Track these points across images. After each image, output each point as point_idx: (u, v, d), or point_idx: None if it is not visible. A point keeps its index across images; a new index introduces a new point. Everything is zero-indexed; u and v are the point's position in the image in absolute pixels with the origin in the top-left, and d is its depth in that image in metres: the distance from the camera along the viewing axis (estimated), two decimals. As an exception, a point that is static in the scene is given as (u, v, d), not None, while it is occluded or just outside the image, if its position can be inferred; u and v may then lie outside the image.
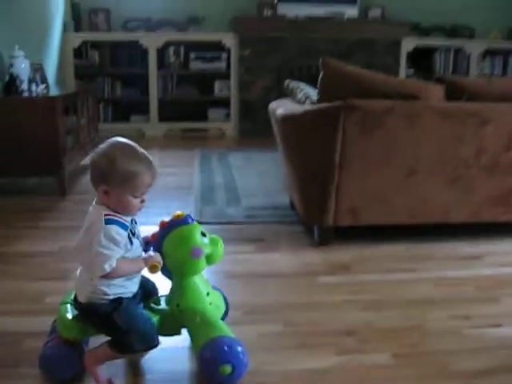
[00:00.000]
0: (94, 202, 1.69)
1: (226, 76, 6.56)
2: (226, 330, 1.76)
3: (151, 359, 1.87)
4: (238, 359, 1.69)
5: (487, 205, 2.95)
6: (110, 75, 6.40)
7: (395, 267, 2.70)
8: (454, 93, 2.84)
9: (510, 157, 2.86)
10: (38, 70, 4.39)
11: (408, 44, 6.79)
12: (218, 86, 6.59)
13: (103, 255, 1.58)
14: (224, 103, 6.63)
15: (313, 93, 3.02)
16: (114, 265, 1.60)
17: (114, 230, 1.60)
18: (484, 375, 1.83)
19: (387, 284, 2.51)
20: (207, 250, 1.82)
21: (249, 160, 5.06)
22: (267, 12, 6.47)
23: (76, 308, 1.75)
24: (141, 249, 1.76)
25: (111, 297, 1.67)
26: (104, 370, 1.74)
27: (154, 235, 1.84)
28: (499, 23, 7.21)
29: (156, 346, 1.73)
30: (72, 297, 1.79)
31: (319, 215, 2.81)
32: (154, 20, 6.42)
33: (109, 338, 1.71)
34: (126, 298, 1.71)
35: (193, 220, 1.84)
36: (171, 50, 6.46)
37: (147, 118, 6.47)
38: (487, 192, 2.92)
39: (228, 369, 1.68)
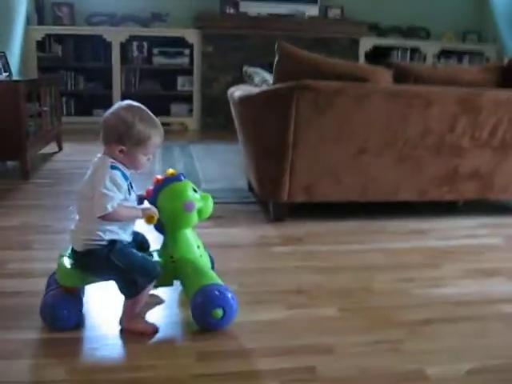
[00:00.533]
0: (99, 155, 1.82)
1: (188, 72, 6.67)
2: (216, 278, 1.90)
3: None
4: (228, 303, 1.83)
5: (433, 184, 3.12)
6: (73, 69, 6.45)
7: (347, 240, 2.85)
8: (402, 76, 3.02)
9: (455, 138, 3.04)
10: (0, 58, 4.44)
11: (366, 43, 7.00)
12: (180, 81, 6.70)
13: (106, 196, 1.70)
14: (187, 98, 6.74)
15: (269, 77, 3.16)
16: (115, 206, 1.72)
17: (118, 175, 1.75)
18: (425, 324, 1.99)
19: (338, 253, 2.66)
20: (199, 205, 1.96)
21: (210, 151, 5.18)
22: (230, 9, 6.61)
23: (74, 258, 1.85)
24: (136, 203, 1.90)
25: (105, 242, 1.78)
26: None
27: (148, 191, 1.98)
28: (453, 25, 7.48)
29: (158, 274, 1.83)
30: (69, 250, 1.89)
31: (274, 192, 2.94)
32: (118, 15, 6.50)
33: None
34: (120, 242, 1.82)
35: (185, 177, 1.98)
36: (135, 45, 6.54)
37: (110, 111, 6.52)
38: (433, 172, 3.09)
39: (219, 312, 1.82)
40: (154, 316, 1.98)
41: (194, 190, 1.98)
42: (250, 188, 3.49)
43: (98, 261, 1.78)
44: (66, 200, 3.36)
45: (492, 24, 7.47)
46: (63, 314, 1.81)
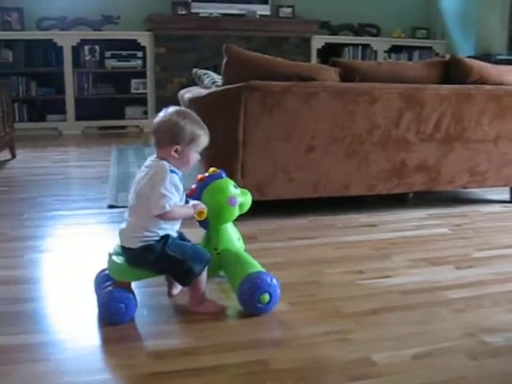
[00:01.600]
0: (152, 158, 1.98)
1: (142, 74, 6.67)
2: (259, 266, 2.05)
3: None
4: (273, 287, 1.99)
5: (382, 178, 3.21)
6: (25, 74, 6.38)
7: (298, 235, 2.92)
8: (348, 75, 3.09)
9: (400, 133, 3.14)
10: None
11: (318, 41, 7.11)
12: (134, 83, 6.69)
13: (165, 196, 1.86)
14: (141, 101, 6.73)
15: (219, 78, 3.20)
16: (172, 205, 1.87)
17: (176, 178, 1.92)
18: (372, 313, 2.07)
19: (290, 249, 2.72)
20: (240, 199, 2.14)
21: (165, 152, 5.18)
22: (181, 10, 6.63)
23: (128, 256, 1.96)
24: (183, 202, 2.02)
25: (158, 237, 1.93)
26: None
27: (192, 189, 2.15)
28: (403, 22, 7.65)
29: (210, 259, 2.00)
30: (117, 249, 2.00)
31: (227, 191, 2.98)
32: (69, 19, 6.46)
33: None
34: (171, 236, 1.98)
35: (226, 174, 2.16)
36: (86, 48, 6.51)
37: (64, 116, 6.47)
38: (381, 166, 3.18)
39: (266, 297, 1.97)
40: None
41: (235, 186, 2.16)
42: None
43: (154, 255, 1.92)
44: (20, 208, 3.35)
45: (440, 20, 7.66)
46: (121, 307, 1.91)
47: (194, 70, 3.64)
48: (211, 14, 6.65)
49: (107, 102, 6.64)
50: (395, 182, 3.26)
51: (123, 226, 1.99)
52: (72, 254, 2.63)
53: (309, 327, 1.95)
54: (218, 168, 2.21)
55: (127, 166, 4.57)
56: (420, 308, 2.11)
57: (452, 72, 3.35)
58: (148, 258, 1.92)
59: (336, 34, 7.33)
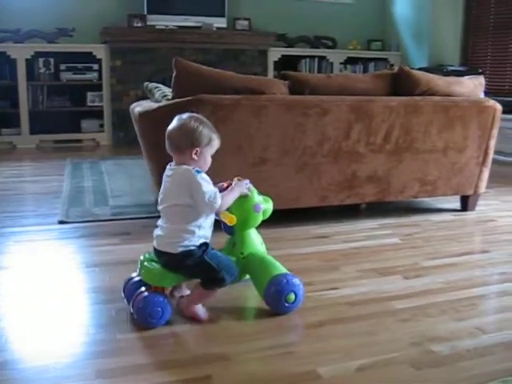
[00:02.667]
0: (170, 166, 2.11)
1: (98, 87, 6.60)
2: (283, 268, 2.19)
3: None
4: (297, 287, 2.13)
5: (333, 190, 3.24)
6: (-23, 88, 6.26)
7: (249, 249, 2.91)
8: (298, 88, 3.12)
9: (350, 144, 3.18)
10: None
11: (274, 54, 7.15)
12: (90, 96, 6.62)
13: (210, 191, 2.00)
14: (97, 114, 6.66)
15: (170, 92, 3.19)
16: (220, 196, 2.03)
17: (205, 175, 2.04)
18: (318, 325, 2.08)
19: (240, 262, 2.71)
20: (263, 206, 2.25)
21: (120, 166, 5.15)
22: (137, 23, 6.60)
23: (165, 260, 2.07)
24: None
25: (198, 243, 2.05)
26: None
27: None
28: (358, 34, 7.76)
29: (237, 275, 2.13)
30: (148, 256, 2.15)
31: (178, 205, 2.97)
32: (23, 31, 6.35)
33: (198, 283, 2.09)
34: (210, 245, 2.11)
35: (251, 183, 2.26)
36: (41, 61, 6.41)
37: (18, 130, 6.36)
38: (333, 178, 3.21)
39: (292, 297, 2.11)
40: (54, 336, 1.97)
41: (258, 194, 2.28)
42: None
43: (193, 261, 2.03)
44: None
45: (395, 32, 7.79)
46: (157, 311, 2.00)
47: (145, 83, 3.62)
48: (167, 26, 6.64)
49: (63, 115, 6.56)
50: (347, 194, 3.29)
51: (159, 232, 2.10)
52: (20, 271, 2.58)
53: (255, 341, 1.94)
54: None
55: (81, 180, 4.51)
56: (367, 319, 2.13)
57: (401, 84, 3.41)
58: (187, 263, 2.03)
59: (292, 47, 7.39)
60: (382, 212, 3.65)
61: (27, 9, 6.42)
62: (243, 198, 2.20)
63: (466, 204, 3.76)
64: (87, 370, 1.75)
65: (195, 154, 2.04)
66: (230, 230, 2.28)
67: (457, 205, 3.81)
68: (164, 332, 2.01)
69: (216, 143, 2.11)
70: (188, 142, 2.04)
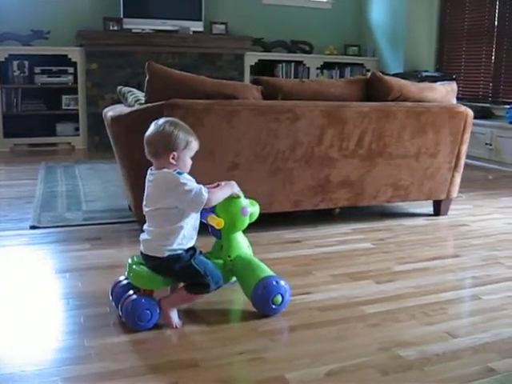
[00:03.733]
0: (151, 171, 2.11)
1: (73, 90, 6.54)
2: (270, 271, 2.23)
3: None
4: (284, 289, 2.17)
5: (306, 194, 3.25)
6: (-51, 91, 6.16)
7: (222, 253, 2.90)
8: (271, 92, 3.12)
9: (323, 149, 3.19)
10: None
11: (251, 58, 7.16)
12: (65, 100, 6.55)
13: (194, 187, 2.02)
14: (72, 117, 6.60)
15: (143, 96, 3.17)
16: (207, 191, 2.05)
17: (187, 175, 2.07)
18: (288, 331, 2.11)
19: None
20: (250, 209, 2.29)
21: (95, 170, 5.11)
22: (113, 26, 6.56)
23: (154, 264, 2.08)
24: None
25: (185, 246, 2.09)
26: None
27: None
28: (335, 39, 7.80)
29: (222, 285, 2.15)
30: (136, 259, 2.14)
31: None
32: (-4, 33, 6.27)
33: (182, 286, 2.11)
34: (198, 250, 2.14)
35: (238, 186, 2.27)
36: (15, 63, 6.33)
37: (-9, 133, 6.28)
38: (306, 182, 3.22)
39: (279, 299, 2.15)
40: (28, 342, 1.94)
41: (245, 197, 2.30)
42: (130, 207, 3.48)
43: (181, 265, 2.06)
44: None
45: (371, 37, 7.85)
46: (146, 314, 2.02)
47: (119, 87, 3.60)
48: (143, 30, 6.61)
49: (37, 119, 6.49)
50: (320, 198, 3.30)
51: (146, 236, 2.11)
52: (-13, 278, 2.55)
53: (224, 347, 1.94)
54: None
55: (54, 184, 4.47)
56: (337, 324, 2.14)
57: (373, 90, 3.44)
58: (174, 267, 2.05)
59: (269, 51, 7.40)
60: (356, 217, 3.67)
61: (1, 10, 6.34)
62: (230, 202, 2.23)
63: (438, 209, 3.79)
64: (54, 378, 1.73)
65: (173, 158, 2.06)
66: (217, 233, 2.29)
67: (430, 209, 3.85)
68: (134, 338, 1.99)
69: (194, 146, 2.12)
70: (165, 146, 2.06)
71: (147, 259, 2.11)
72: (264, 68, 7.21)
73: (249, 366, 1.82)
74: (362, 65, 7.76)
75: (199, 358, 1.86)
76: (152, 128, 2.10)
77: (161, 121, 2.10)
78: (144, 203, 2.14)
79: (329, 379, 1.76)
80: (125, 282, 2.19)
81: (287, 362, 1.85)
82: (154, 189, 2.08)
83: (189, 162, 2.13)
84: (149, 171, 2.13)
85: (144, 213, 2.14)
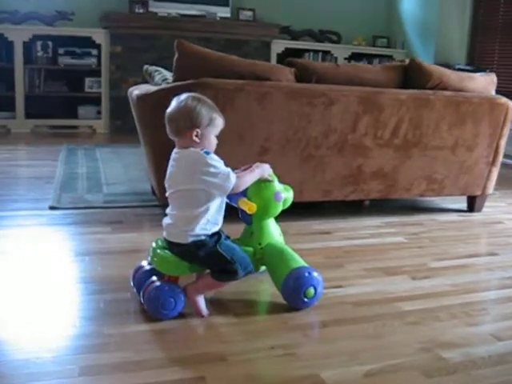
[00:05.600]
0: (175, 150, 1.97)
1: (96, 73, 6.43)
2: (303, 261, 2.07)
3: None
4: (317, 281, 2.02)
5: (337, 184, 3.10)
6: (-28, 69, 6.08)
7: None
8: (304, 75, 2.98)
9: (357, 137, 3.03)
10: None
11: (278, 46, 7.01)
12: (88, 82, 6.44)
13: (222, 170, 1.90)
14: (95, 101, 6.50)
15: (170, 76, 3.04)
16: (235, 175, 1.93)
17: (214, 155, 1.93)
18: (322, 326, 1.96)
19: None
20: (284, 195, 2.15)
21: (116, 154, 4.99)
22: (139, 9, 6.44)
23: (179, 250, 1.94)
24: None
25: (209, 231, 1.94)
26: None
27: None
28: (364, 30, 7.62)
29: (252, 271, 2.00)
30: (161, 243, 2.01)
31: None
32: (21, 13, 6.17)
33: (208, 272, 1.97)
34: (223, 234, 2.01)
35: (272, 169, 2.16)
36: (39, 44, 6.24)
37: (13, 114, 6.20)
38: (337, 171, 3.07)
39: (312, 291, 1.99)
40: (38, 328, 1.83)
41: (279, 182, 2.17)
42: (153, 191, 3.36)
43: (205, 251, 1.92)
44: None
45: (401, 29, 7.65)
46: (170, 302, 1.89)
47: (145, 66, 3.47)
48: (169, 13, 6.48)
49: (59, 101, 6.39)
50: (351, 189, 3.15)
51: (168, 220, 1.98)
52: (5, 258, 2.44)
53: (253, 341, 1.81)
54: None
55: (75, 166, 4.36)
56: (372, 321, 1.99)
57: (411, 76, 3.27)
58: (199, 253, 1.92)
59: (296, 40, 7.24)
60: (386, 210, 3.52)
61: (26, -10, 6.25)
62: (264, 186, 2.11)
63: (472, 205, 3.62)
64: (70, 367, 1.61)
65: (196, 135, 1.91)
66: (247, 218, 2.16)
67: (463, 205, 3.68)
68: (156, 327, 1.87)
69: (219, 122, 1.97)
70: (187, 123, 1.91)
71: (171, 245, 1.97)
72: (291, 56, 7.01)
73: (280, 362, 1.69)
74: (390, 56, 7.56)
75: (227, 351, 1.73)
76: (173, 104, 1.96)
77: (183, 96, 1.96)
78: (167, 185, 2.00)
79: (368, 380, 1.62)
80: (147, 267, 2.06)
81: (321, 359, 1.71)
82: (179, 168, 1.95)
83: (214, 141, 1.98)
84: (173, 151, 2.00)
85: (166, 195, 2.00)
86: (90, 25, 6.38)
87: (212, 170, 1.87)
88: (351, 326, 1.95)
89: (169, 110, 1.96)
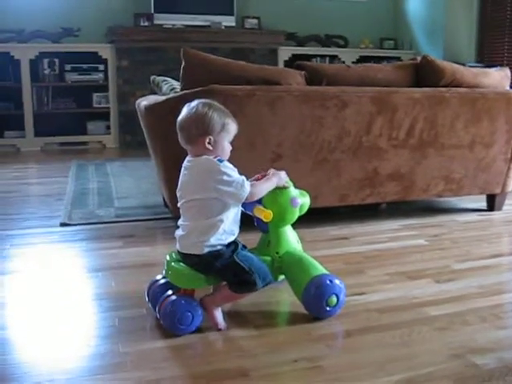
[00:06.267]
0: (188, 158, 1.91)
1: (104, 88, 6.41)
2: (323, 268, 2.00)
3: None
4: (339, 289, 1.94)
5: (353, 188, 3.02)
6: (-20, 89, 6.07)
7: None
8: (314, 78, 2.91)
9: (372, 139, 2.96)
10: None
11: (284, 53, 6.95)
12: (96, 98, 6.43)
13: (236, 179, 1.83)
14: (103, 115, 6.47)
15: (178, 85, 2.98)
16: (249, 184, 1.86)
17: (228, 163, 1.86)
18: (346, 336, 1.89)
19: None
20: (300, 200, 2.07)
21: (127, 168, 4.94)
22: (144, 22, 6.42)
23: (194, 262, 1.86)
24: None
25: (226, 241, 1.87)
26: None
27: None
28: (370, 32, 7.56)
29: (271, 282, 1.92)
30: (175, 256, 1.93)
31: (187, 205, 2.76)
32: (27, 31, 6.17)
33: (225, 284, 1.88)
34: (240, 244, 1.94)
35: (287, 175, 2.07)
36: (45, 61, 6.23)
37: (22, 133, 6.17)
38: (352, 175, 2.99)
39: (334, 300, 1.92)
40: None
41: (294, 187, 2.09)
42: (165, 203, 3.29)
43: (222, 262, 1.85)
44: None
45: (407, 30, 7.58)
46: (187, 316, 1.82)
47: (152, 77, 3.42)
48: (174, 25, 6.45)
49: (68, 117, 6.37)
50: (367, 192, 3.06)
51: (181, 232, 1.91)
52: (17, 277, 2.38)
53: (275, 354, 1.73)
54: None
55: (85, 181, 4.31)
56: (399, 328, 1.91)
57: (424, 74, 3.19)
58: (216, 265, 1.85)
59: (303, 46, 7.19)
60: (404, 212, 3.43)
61: (31, 8, 6.25)
62: (279, 192, 2.02)
63: (492, 203, 3.53)
64: (86, 387, 1.54)
65: (208, 143, 1.85)
66: (264, 226, 2.09)
67: (482, 204, 3.58)
68: (174, 343, 1.79)
69: (232, 128, 1.91)
70: (199, 130, 1.85)
71: (185, 257, 1.90)
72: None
73: (305, 376, 1.60)
74: (398, 58, 7.46)
75: (248, 366, 1.65)
76: (184, 111, 1.90)
77: (193, 103, 1.90)
78: (178, 194, 1.93)
79: (398, 391, 1.54)
80: (162, 281, 1.98)
81: (348, 371, 1.63)
82: (191, 177, 1.88)
83: (228, 147, 1.92)
84: (186, 159, 1.93)
85: (178, 205, 1.93)
86: (95, 40, 6.37)
87: (226, 178, 1.81)
88: (377, 334, 1.87)
89: (180, 117, 1.90)
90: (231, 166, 1.87)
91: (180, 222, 1.93)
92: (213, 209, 1.84)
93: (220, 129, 1.86)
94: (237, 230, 1.95)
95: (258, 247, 2.13)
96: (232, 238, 1.92)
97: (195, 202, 1.86)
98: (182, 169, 1.93)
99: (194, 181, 1.87)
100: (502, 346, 1.79)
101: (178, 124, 1.90)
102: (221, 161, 1.84)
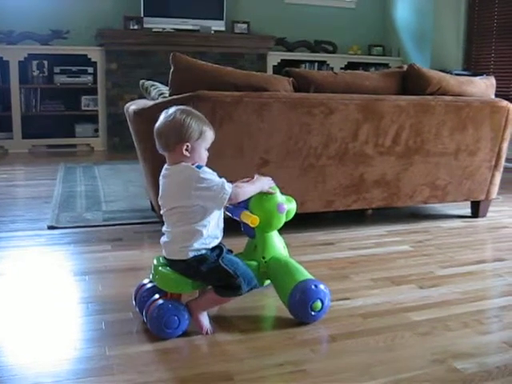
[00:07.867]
0: (166, 166, 1.92)
1: (92, 90, 6.41)
2: (308, 274, 2.02)
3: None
4: (324, 294, 1.96)
5: (340, 194, 3.05)
6: (-32, 91, 6.06)
7: (252, 256, 2.71)
8: (302, 85, 2.94)
9: (358, 146, 2.99)
10: None
11: (273, 58, 6.99)
12: (84, 100, 6.42)
13: (216, 182, 1.83)
14: (92, 118, 6.47)
15: (167, 90, 3.00)
16: (230, 186, 1.86)
17: (207, 168, 1.87)
18: (330, 341, 1.90)
19: (243, 271, 2.52)
20: (287, 206, 2.09)
21: (115, 171, 4.95)
22: (134, 25, 6.43)
23: (180, 267, 1.88)
24: None
25: (209, 245, 1.89)
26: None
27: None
28: (359, 39, 7.61)
29: (256, 286, 1.94)
30: (162, 260, 1.95)
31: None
32: (16, 33, 6.16)
33: (211, 288, 1.90)
34: (225, 248, 1.95)
35: (274, 181, 2.10)
36: (34, 63, 6.22)
37: (10, 134, 6.16)
38: (339, 181, 3.03)
39: (319, 304, 1.94)
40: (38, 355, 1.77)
41: (280, 193, 2.11)
42: (153, 207, 3.31)
43: (208, 266, 1.86)
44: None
45: (396, 37, 7.65)
46: (174, 320, 1.83)
47: (142, 81, 3.43)
48: (164, 29, 6.47)
49: (56, 120, 6.36)
50: (353, 198, 3.10)
51: (165, 239, 1.93)
52: (3, 280, 2.38)
53: (261, 358, 1.75)
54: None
55: (73, 184, 4.32)
56: (382, 332, 1.94)
57: (410, 82, 3.24)
58: (201, 269, 1.86)
59: (292, 51, 7.23)
60: (389, 218, 3.47)
61: (21, 10, 6.24)
62: (266, 198, 2.05)
63: (476, 210, 3.58)
64: (73, 391, 1.55)
65: (186, 149, 1.86)
66: (250, 232, 2.11)
67: (467, 211, 3.63)
68: (160, 347, 1.81)
69: (209, 135, 1.92)
70: (176, 137, 1.86)
71: (172, 263, 1.92)
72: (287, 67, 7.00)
73: (290, 380, 1.63)
74: (386, 65, 7.54)
75: (234, 370, 1.67)
76: (161, 118, 1.91)
77: (171, 109, 1.91)
78: (160, 202, 1.94)
79: (380, 395, 1.57)
80: (149, 285, 2.00)
81: (332, 375, 1.66)
82: (171, 185, 1.90)
83: (204, 154, 1.93)
84: (164, 167, 1.95)
85: (161, 213, 1.95)
86: (85, 43, 6.38)
87: (205, 184, 1.83)
88: (361, 338, 1.89)
89: (157, 124, 1.91)
90: (210, 170, 1.88)
91: (164, 229, 1.95)
92: (195, 215, 1.86)
93: (198, 136, 1.87)
94: (220, 234, 1.97)
95: (245, 252, 2.15)
96: (216, 242, 1.94)
97: (177, 209, 1.88)
98: (161, 177, 1.94)
99: (175, 189, 1.88)
100: (483, 351, 1.82)
101: (155, 131, 1.91)
102: (199, 167, 1.86)
